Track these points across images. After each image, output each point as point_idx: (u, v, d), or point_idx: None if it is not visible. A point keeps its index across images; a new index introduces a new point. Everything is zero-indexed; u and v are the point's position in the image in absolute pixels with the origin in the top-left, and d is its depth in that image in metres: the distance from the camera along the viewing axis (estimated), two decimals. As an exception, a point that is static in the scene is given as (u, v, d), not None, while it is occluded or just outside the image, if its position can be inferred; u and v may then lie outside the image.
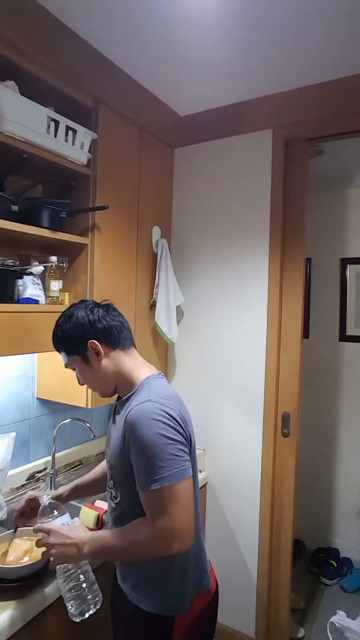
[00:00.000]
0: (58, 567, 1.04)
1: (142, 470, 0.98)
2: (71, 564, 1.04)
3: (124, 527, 1.04)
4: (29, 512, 1.24)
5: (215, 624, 1.25)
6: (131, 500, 1.04)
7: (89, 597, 1.03)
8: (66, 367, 1.17)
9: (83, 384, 1.18)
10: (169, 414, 0.99)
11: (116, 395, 1.18)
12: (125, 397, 1.11)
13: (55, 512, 1.09)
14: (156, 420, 0.97)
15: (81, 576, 1.05)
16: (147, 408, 0.99)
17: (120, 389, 1.15)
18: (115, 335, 1.12)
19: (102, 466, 1.36)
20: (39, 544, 1.04)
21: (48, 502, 1.11)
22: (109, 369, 1.11)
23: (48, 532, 1.03)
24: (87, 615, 1.02)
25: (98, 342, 1.09)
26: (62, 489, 1.33)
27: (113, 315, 1.14)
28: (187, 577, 1.10)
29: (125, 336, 1.14)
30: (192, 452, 1.07)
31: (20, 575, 1.15)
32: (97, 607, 1.03)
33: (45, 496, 1.13)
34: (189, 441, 1.05)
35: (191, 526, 0.97)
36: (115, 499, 1.12)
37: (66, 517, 1.10)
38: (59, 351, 1.16)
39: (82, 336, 1.09)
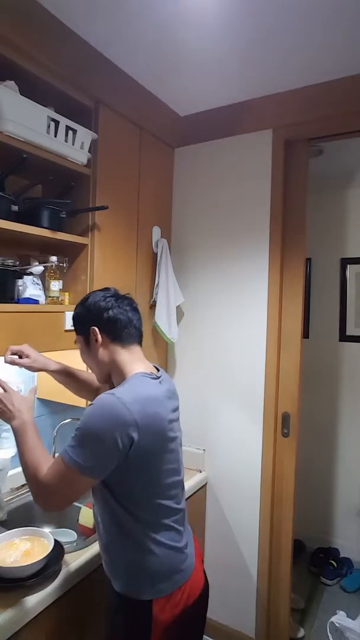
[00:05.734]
0: None
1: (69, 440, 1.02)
2: None
3: (41, 446, 1.10)
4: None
5: (204, 626, 1.23)
6: (97, 487, 1.08)
7: None
8: (75, 343, 1.25)
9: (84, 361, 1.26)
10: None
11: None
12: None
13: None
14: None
15: None
16: (105, 400, 1.02)
17: (114, 380, 1.18)
18: (118, 329, 1.15)
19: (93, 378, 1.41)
20: None
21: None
22: (105, 358, 1.16)
23: (4, 388, 1.16)
24: None
25: (99, 330, 1.15)
26: (55, 364, 1.40)
27: (124, 309, 1.17)
28: (153, 572, 1.08)
29: (129, 332, 1.17)
30: (146, 457, 1.04)
31: (20, 575, 1.15)
32: None
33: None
34: (128, 446, 0.99)
35: (59, 503, 1.05)
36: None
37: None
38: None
39: (87, 321, 1.17)
